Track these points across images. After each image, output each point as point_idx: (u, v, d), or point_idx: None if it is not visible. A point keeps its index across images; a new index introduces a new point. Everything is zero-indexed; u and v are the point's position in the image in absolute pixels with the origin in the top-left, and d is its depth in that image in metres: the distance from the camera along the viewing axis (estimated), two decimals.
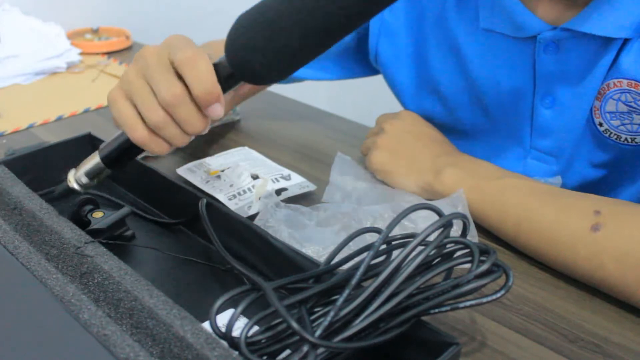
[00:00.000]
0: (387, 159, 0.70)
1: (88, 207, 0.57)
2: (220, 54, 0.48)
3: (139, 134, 0.48)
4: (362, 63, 0.83)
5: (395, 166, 0.69)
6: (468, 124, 0.74)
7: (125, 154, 0.52)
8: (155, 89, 0.47)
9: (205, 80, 0.46)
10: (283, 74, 0.46)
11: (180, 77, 0.47)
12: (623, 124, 0.62)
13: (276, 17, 0.44)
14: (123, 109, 0.49)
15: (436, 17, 0.72)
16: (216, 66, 0.47)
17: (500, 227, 0.60)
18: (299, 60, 0.46)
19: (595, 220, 0.53)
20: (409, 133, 0.71)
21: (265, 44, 0.44)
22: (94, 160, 0.53)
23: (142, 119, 0.48)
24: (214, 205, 0.56)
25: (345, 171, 0.69)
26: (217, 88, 0.47)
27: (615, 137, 0.63)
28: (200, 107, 0.47)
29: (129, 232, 0.59)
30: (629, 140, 0.62)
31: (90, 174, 0.53)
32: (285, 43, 0.44)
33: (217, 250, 0.52)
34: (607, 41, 0.60)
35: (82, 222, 0.56)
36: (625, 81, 0.60)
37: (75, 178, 0.54)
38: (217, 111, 0.48)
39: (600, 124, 0.63)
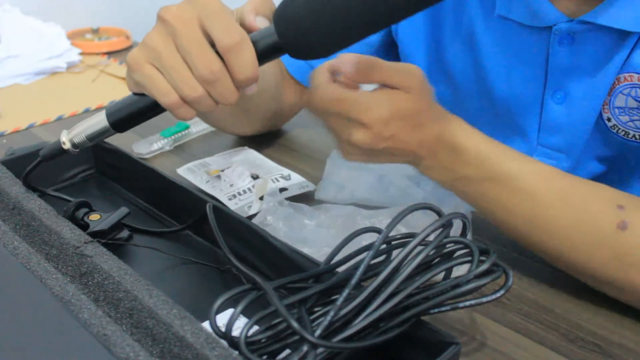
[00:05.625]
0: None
1: (83, 211, 0.57)
2: None
3: (171, 100, 0.46)
4: (395, 55, 0.81)
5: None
6: (474, 114, 0.72)
7: (140, 118, 0.51)
8: (192, 63, 0.45)
9: (248, 68, 0.45)
10: (339, 42, 0.45)
11: (214, 46, 0.45)
12: (632, 120, 0.61)
13: None
14: (152, 75, 0.46)
15: (455, 1, 0.71)
16: (255, 44, 0.46)
17: (508, 222, 0.55)
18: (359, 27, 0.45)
19: (621, 217, 0.50)
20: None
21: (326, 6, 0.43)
22: (99, 123, 0.51)
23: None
24: (218, 208, 0.56)
25: (339, 164, 0.69)
26: (258, 72, 0.46)
27: (623, 133, 0.62)
28: (236, 85, 0.46)
29: (125, 233, 0.59)
30: (637, 137, 0.62)
31: (92, 137, 0.51)
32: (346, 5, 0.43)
33: (217, 250, 0.52)
34: (623, 35, 0.59)
35: (78, 226, 0.56)
36: (636, 76, 0.59)
37: (69, 139, 0.52)
38: (253, 90, 0.47)
39: (609, 119, 0.62)
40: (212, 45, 0.45)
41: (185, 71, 0.45)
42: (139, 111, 0.50)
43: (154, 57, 0.46)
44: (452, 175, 0.54)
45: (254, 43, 0.45)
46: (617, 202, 0.51)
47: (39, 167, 0.64)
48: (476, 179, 0.54)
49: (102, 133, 0.51)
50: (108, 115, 0.50)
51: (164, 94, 0.46)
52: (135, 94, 0.50)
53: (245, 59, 0.45)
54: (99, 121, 0.51)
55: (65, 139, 0.52)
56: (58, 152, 0.53)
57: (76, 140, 0.52)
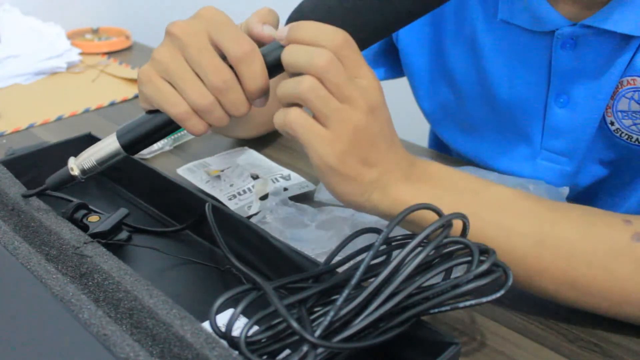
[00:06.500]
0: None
1: (82, 212, 0.57)
2: None
3: (181, 110, 0.46)
4: (394, 59, 0.81)
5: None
6: (477, 118, 0.73)
7: (152, 137, 0.50)
8: (202, 73, 0.45)
9: (259, 78, 0.46)
10: None
11: (223, 57, 0.46)
12: (635, 124, 0.61)
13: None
14: (162, 87, 0.46)
15: (457, 4, 0.71)
16: (264, 57, 0.46)
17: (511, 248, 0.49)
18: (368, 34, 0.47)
19: (633, 230, 0.47)
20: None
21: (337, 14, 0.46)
22: (109, 146, 0.50)
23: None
24: (218, 208, 0.56)
25: None
26: (268, 84, 0.46)
27: (627, 137, 0.62)
28: (247, 96, 0.47)
29: (124, 234, 0.58)
30: None
31: (102, 160, 0.50)
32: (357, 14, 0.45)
33: (217, 250, 0.52)
34: (626, 39, 0.59)
35: (78, 228, 0.56)
36: (639, 79, 0.59)
37: (78, 164, 0.51)
38: (262, 103, 0.48)
39: (612, 123, 0.62)
40: (222, 57, 0.46)
41: (195, 80, 0.46)
42: (150, 130, 0.49)
43: (163, 69, 0.46)
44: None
45: (264, 56, 0.46)
46: (622, 217, 0.49)
47: (39, 166, 0.65)
48: (468, 205, 0.48)
49: (113, 156, 0.50)
50: (119, 137, 0.50)
51: (174, 104, 0.46)
52: (146, 113, 0.50)
53: (256, 68, 0.45)
54: (109, 144, 0.50)
55: (74, 165, 0.51)
56: (66, 179, 0.52)
57: (86, 165, 0.51)
